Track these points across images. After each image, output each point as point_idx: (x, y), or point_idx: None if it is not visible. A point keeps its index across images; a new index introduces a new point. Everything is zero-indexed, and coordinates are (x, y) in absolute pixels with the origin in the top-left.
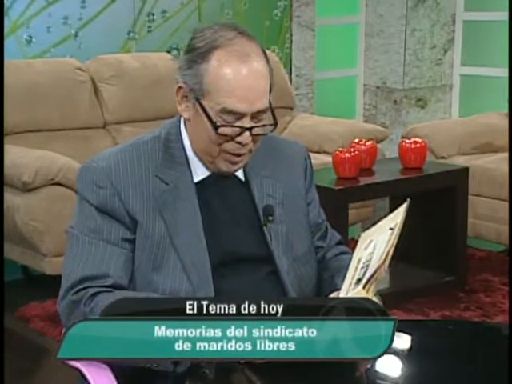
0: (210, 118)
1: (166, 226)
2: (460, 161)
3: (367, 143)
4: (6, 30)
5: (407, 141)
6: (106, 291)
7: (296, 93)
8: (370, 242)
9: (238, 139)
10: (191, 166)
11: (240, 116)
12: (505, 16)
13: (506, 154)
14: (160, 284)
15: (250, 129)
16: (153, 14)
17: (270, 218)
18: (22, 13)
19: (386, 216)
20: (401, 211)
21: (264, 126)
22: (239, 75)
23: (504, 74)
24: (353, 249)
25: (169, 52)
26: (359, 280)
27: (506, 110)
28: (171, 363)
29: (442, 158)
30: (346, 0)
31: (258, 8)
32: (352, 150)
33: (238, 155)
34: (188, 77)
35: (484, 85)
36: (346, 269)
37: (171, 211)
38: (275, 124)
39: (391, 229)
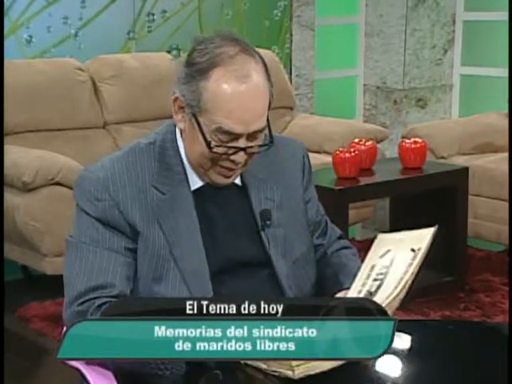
0: (204, 136)
1: (165, 236)
2: (460, 161)
3: (367, 143)
4: (6, 30)
5: (407, 141)
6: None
7: (296, 93)
8: (388, 251)
9: (232, 158)
10: (188, 174)
11: (235, 137)
12: (505, 16)
13: (506, 154)
14: (161, 294)
15: (244, 149)
16: (153, 14)
17: (268, 222)
18: (21, 13)
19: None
20: (427, 235)
21: (259, 146)
22: (238, 96)
23: (504, 73)
24: (366, 250)
25: (169, 52)
26: (370, 293)
27: (506, 110)
28: (185, 365)
29: (442, 157)
30: (345, 0)
31: (257, 8)
32: (352, 150)
33: (231, 169)
34: (186, 91)
35: (484, 85)
36: (357, 270)
37: (169, 221)
38: (271, 143)
39: (413, 250)
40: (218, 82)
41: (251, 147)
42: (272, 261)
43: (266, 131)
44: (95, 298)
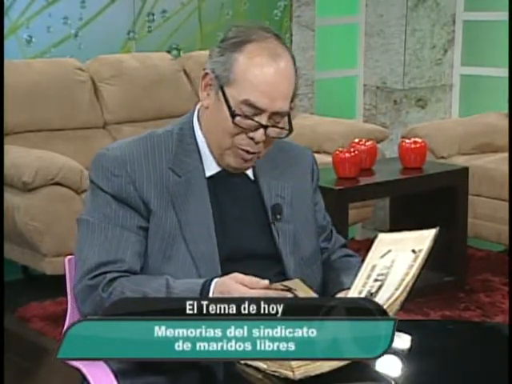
0: (229, 106)
1: (178, 218)
2: (460, 161)
3: (367, 143)
4: (6, 30)
5: (407, 141)
6: (123, 276)
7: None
8: (388, 251)
9: (251, 134)
10: (203, 160)
11: (259, 112)
12: (505, 16)
13: (506, 154)
14: (170, 274)
15: (265, 127)
16: (153, 14)
17: (279, 216)
18: (21, 13)
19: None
20: (428, 237)
21: (280, 128)
22: (267, 71)
23: (504, 73)
24: (366, 250)
25: (169, 52)
26: (371, 294)
27: (506, 110)
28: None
29: (442, 157)
30: (345, 0)
31: (257, 8)
32: (352, 149)
33: (248, 152)
34: (217, 64)
35: (484, 85)
36: (358, 270)
37: (183, 203)
38: (290, 130)
39: (413, 251)
40: (250, 54)
41: (272, 127)
42: (281, 256)
43: (287, 119)
44: (106, 272)
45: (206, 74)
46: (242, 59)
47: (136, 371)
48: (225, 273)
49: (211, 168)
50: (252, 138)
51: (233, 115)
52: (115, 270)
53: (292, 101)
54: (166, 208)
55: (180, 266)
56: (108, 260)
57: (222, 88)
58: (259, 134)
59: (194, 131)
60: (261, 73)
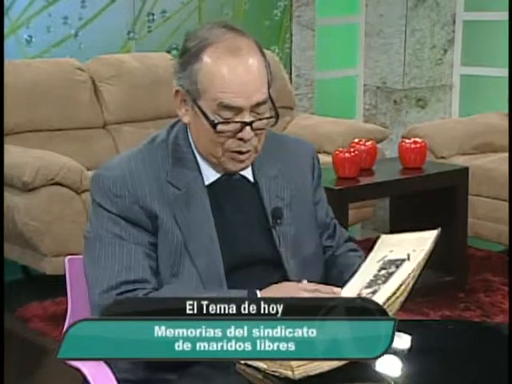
0: (207, 117)
1: (181, 232)
2: (460, 161)
3: (367, 143)
4: (6, 30)
5: (407, 141)
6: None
7: (296, 93)
8: (390, 252)
9: (240, 135)
10: (201, 169)
11: (238, 111)
12: (505, 16)
13: (506, 154)
14: (178, 289)
15: (250, 123)
16: (153, 14)
17: (279, 220)
18: (21, 13)
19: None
20: (429, 238)
21: (265, 118)
22: (232, 70)
23: (504, 73)
24: (366, 250)
25: (169, 52)
26: (371, 293)
27: (506, 110)
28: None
29: (442, 157)
30: (345, 0)
31: (258, 8)
32: (352, 150)
33: (242, 152)
34: (183, 79)
35: (484, 85)
36: (358, 269)
37: (184, 216)
38: (276, 116)
39: (415, 252)
40: (210, 58)
41: (257, 121)
42: (282, 259)
43: (270, 106)
44: (134, 289)
45: (177, 91)
46: (205, 67)
47: (136, 371)
48: (229, 282)
49: (210, 176)
50: (241, 139)
51: (213, 125)
52: (141, 288)
53: (270, 86)
54: (170, 223)
55: (186, 281)
56: (134, 279)
57: (195, 102)
58: (246, 133)
59: (188, 139)
60: (227, 73)
